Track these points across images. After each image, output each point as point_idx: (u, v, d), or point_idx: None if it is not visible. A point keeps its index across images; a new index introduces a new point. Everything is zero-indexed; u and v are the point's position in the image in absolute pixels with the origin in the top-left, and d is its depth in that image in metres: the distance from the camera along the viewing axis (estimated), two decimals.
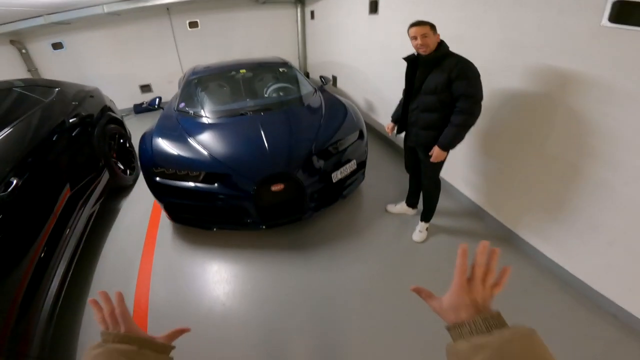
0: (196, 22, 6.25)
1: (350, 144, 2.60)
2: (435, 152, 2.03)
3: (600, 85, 1.66)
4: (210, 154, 2.32)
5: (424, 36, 1.85)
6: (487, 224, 2.56)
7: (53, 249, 1.92)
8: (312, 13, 6.23)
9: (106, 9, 4.79)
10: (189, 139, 2.47)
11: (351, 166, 2.56)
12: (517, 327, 0.43)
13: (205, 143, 2.42)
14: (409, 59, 2.07)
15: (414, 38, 1.89)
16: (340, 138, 2.56)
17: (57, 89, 2.89)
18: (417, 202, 2.65)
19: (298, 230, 2.59)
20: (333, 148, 2.51)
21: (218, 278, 2.25)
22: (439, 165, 2.17)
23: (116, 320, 0.55)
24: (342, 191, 2.60)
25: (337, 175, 2.46)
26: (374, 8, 3.81)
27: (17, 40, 5.66)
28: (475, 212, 2.69)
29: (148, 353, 0.50)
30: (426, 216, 2.44)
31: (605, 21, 1.57)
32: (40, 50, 5.90)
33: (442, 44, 1.92)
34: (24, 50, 5.79)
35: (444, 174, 2.44)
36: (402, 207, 2.71)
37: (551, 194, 2.04)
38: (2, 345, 1.37)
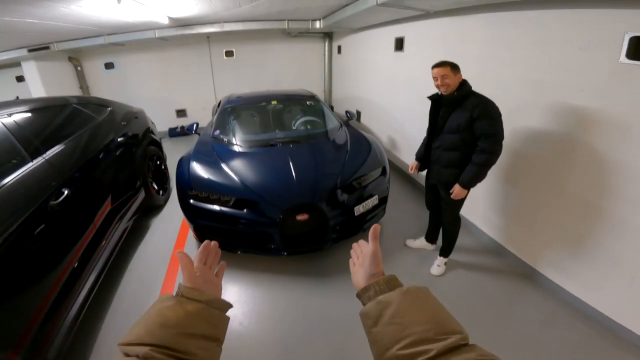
0: (232, 51, 6.71)
1: (373, 179, 2.70)
2: (456, 190, 2.09)
3: (618, 123, 1.73)
4: (241, 181, 2.48)
5: (444, 77, 1.95)
6: (507, 261, 2.57)
7: (88, 258, 2.05)
8: (339, 48, 6.57)
9: (157, 33, 5.25)
10: (222, 166, 2.66)
11: (373, 201, 2.65)
12: (413, 284, 0.53)
13: (237, 170, 2.59)
14: (433, 98, 2.18)
15: (435, 78, 2.00)
16: (364, 173, 2.67)
17: (109, 108, 3.16)
18: (436, 238, 2.69)
19: (318, 259, 2.66)
20: (356, 183, 2.62)
21: (238, 298, 2.33)
22: (460, 203, 2.23)
23: (192, 274, 0.58)
24: (362, 224, 2.68)
25: (359, 209, 2.55)
26: (399, 45, 4.01)
27: (75, 58, 6.25)
28: (495, 249, 2.72)
29: (214, 312, 0.53)
30: (445, 251, 2.47)
31: (623, 58, 1.65)
32: (94, 69, 6.47)
33: (464, 84, 2.00)
34: (79, 68, 6.37)
35: (465, 211, 2.49)
36: (421, 242, 2.75)
37: (572, 231, 2.09)
38: (22, 345, 1.42)
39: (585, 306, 2.04)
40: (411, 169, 2.47)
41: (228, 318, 0.57)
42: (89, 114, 2.83)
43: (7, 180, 1.67)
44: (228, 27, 5.22)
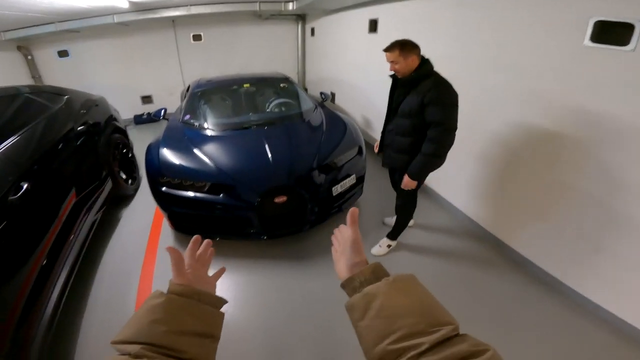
0: (200, 35, 6.40)
1: (349, 159, 2.70)
2: (405, 181, 2.03)
3: (581, 104, 1.81)
4: (216, 166, 2.40)
5: (393, 63, 1.85)
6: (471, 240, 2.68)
7: (57, 254, 1.94)
8: (313, 30, 6.45)
9: (116, 19, 4.90)
10: (194, 150, 2.55)
11: (350, 180, 2.66)
12: (399, 273, 0.52)
13: (211, 155, 2.50)
14: (394, 76, 2.04)
15: (388, 62, 1.89)
16: (340, 153, 2.67)
17: (66, 97, 2.95)
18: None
19: (298, 241, 2.66)
20: (333, 163, 2.61)
21: (219, 286, 2.27)
22: (411, 191, 2.16)
23: (182, 270, 0.56)
24: (341, 204, 2.69)
25: (337, 189, 2.55)
26: (373, 27, 3.99)
27: (24, 47, 5.73)
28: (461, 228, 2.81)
29: (206, 308, 0.53)
30: (392, 234, 2.47)
31: (587, 41, 1.70)
32: (46, 57, 5.96)
33: (425, 64, 1.87)
34: (29, 57, 5.85)
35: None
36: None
37: (539, 206, 2.18)
38: (1, 351, 1.36)
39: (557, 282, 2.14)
40: (375, 149, 2.44)
41: (222, 314, 0.56)
42: (43, 103, 2.63)
43: None
44: (195, 10, 4.97)
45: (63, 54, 5.98)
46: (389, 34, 3.70)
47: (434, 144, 1.85)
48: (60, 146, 2.41)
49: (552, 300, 2.09)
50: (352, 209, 0.64)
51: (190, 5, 4.92)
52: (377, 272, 0.54)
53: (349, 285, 0.55)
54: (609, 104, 1.69)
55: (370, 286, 0.50)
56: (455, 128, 1.86)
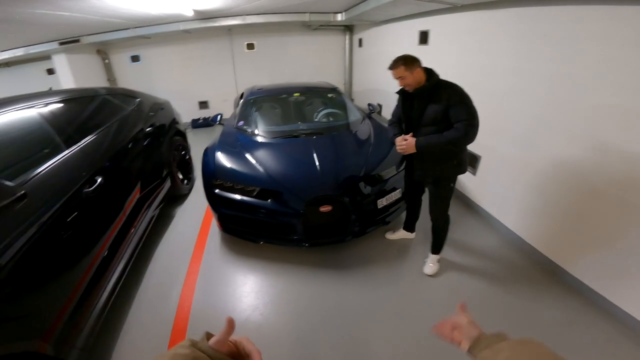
0: (253, 44, 6.76)
1: (396, 172, 2.66)
2: (409, 140, 2.01)
3: None
4: (266, 171, 2.51)
5: (402, 79, 1.91)
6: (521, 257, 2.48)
7: (117, 246, 2.09)
8: (360, 41, 6.49)
9: (182, 26, 5.35)
10: (247, 156, 2.69)
11: (396, 194, 2.62)
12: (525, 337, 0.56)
13: (262, 161, 2.62)
14: (402, 92, 2.09)
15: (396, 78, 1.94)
16: (387, 166, 2.64)
17: (138, 99, 3.25)
18: (414, 227, 2.73)
19: (338, 251, 2.67)
20: (379, 175, 2.59)
21: (259, 288, 2.37)
22: (448, 198, 2.18)
23: (225, 339, 0.57)
24: (385, 217, 2.66)
25: (382, 202, 2.53)
26: (424, 39, 3.92)
27: (103, 51, 6.47)
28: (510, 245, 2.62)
29: None
30: (436, 248, 2.41)
31: None
32: (121, 61, 6.67)
33: (432, 74, 1.94)
34: (107, 60, 6.59)
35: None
36: (400, 233, 2.76)
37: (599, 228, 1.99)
38: (53, 333, 1.42)
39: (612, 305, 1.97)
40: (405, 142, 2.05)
41: None
42: (118, 104, 2.91)
43: (44, 167, 1.70)
44: (250, 19, 5.26)
45: (135, 58, 6.65)
46: (440, 45, 3.62)
47: (458, 132, 1.87)
48: (130, 145, 2.65)
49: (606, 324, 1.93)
50: (460, 305, 0.75)
51: (246, 15, 5.23)
52: (501, 336, 0.60)
53: (477, 346, 0.62)
54: None
55: (498, 344, 0.56)
56: (478, 124, 1.87)
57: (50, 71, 6.51)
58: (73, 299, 1.58)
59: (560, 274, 2.30)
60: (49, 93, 2.33)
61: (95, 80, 6.34)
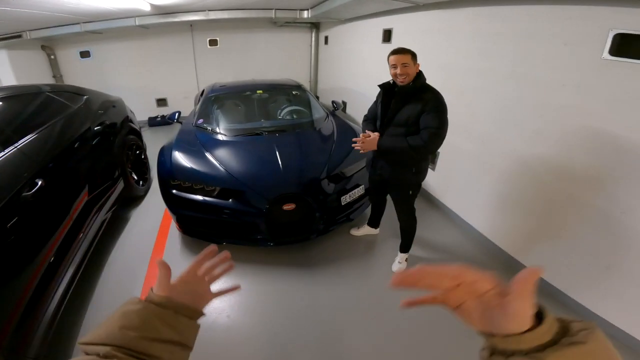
0: (216, 40, 6.53)
1: (359, 169, 2.69)
2: (372, 138, 1.97)
3: (598, 119, 1.77)
4: (226, 170, 2.42)
5: (404, 65, 1.84)
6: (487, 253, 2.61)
7: (65, 251, 1.96)
8: (326, 38, 6.52)
9: (138, 21, 5.02)
10: (206, 155, 2.58)
11: (359, 191, 2.64)
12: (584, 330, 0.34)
13: (222, 159, 2.53)
14: (384, 86, 2.05)
15: (393, 66, 1.87)
16: (350, 163, 2.65)
17: (85, 97, 3.02)
18: (379, 222, 2.75)
19: (304, 249, 2.64)
20: (342, 172, 2.60)
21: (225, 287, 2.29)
22: (412, 198, 2.19)
23: (166, 282, 0.56)
24: (349, 214, 2.67)
25: (345, 199, 2.54)
26: (387, 37, 3.99)
27: (48, 46, 5.92)
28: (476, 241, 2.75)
29: (182, 319, 0.52)
30: (405, 247, 2.44)
31: (606, 54, 1.67)
32: (69, 57, 6.16)
33: (420, 75, 1.91)
34: (52, 56, 6.04)
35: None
36: (365, 229, 2.79)
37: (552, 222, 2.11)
38: (1, 343, 1.37)
39: (568, 299, 2.09)
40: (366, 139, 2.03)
41: (198, 326, 0.56)
42: (63, 102, 2.69)
43: None
44: (213, 15, 5.06)
45: (85, 54, 6.17)
46: (404, 43, 3.68)
47: (422, 141, 1.85)
48: (76, 145, 2.46)
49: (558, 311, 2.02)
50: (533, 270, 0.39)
51: (209, 10, 5.02)
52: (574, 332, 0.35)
53: (507, 345, 0.36)
54: (627, 120, 1.65)
55: (546, 351, 0.33)
56: (444, 137, 1.89)
57: None
58: (20, 308, 1.51)
59: (515, 265, 2.43)
60: None
61: (39, 77, 5.80)
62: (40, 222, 1.82)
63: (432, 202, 3.35)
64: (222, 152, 2.63)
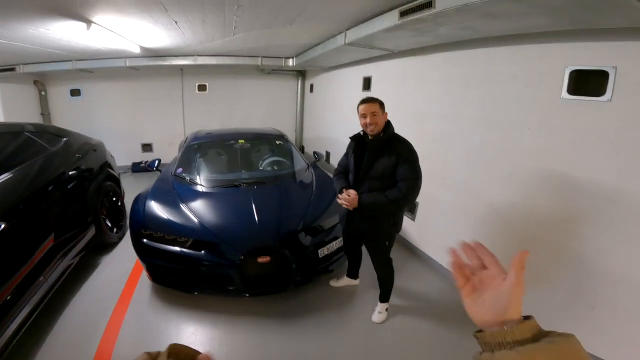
0: (205, 85, 6.68)
1: (337, 222, 2.67)
2: (352, 197, 1.95)
3: (562, 159, 1.83)
4: (200, 222, 2.39)
5: (373, 114, 1.85)
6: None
7: (22, 292, 1.89)
8: (312, 86, 6.68)
9: (128, 62, 5.14)
10: (181, 205, 2.56)
11: (337, 244, 2.62)
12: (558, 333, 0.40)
13: (197, 211, 2.51)
14: (356, 138, 2.04)
15: (363, 116, 1.86)
16: (328, 216, 2.66)
17: (64, 139, 3.01)
18: (357, 273, 2.70)
19: (282, 300, 2.55)
20: (320, 225, 2.60)
21: (193, 340, 2.17)
22: (387, 248, 2.19)
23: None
24: (328, 266, 2.63)
25: (323, 252, 2.52)
26: (367, 85, 4.13)
27: (40, 82, 5.92)
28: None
29: None
30: (384, 297, 2.39)
31: (564, 93, 1.74)
32: (59, 94, 6.09)
33: (389, 125, 1.92)
34: (43, 92, 6.01)
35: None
36: (344, 280, 2.74)
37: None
38: None
39: None
40: (349, 197, 2.00)
41: None
42: (41, 144, 2.70)
43: None
44: (201, 60, 5.26)
45: (75, 92, 6.15)
46: (380, 90, 3.75)
47: (401, 193, 1.86)
48: (49, 188, 2.44)
49: None
50: (523, 252, 0.47)
51: (197, 55, 5.20)
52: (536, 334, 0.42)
53: (494, 338, 0.43)
54: (590, 161, 1.71)
55: (526, 346, 0.39)
56: (421, 186, 1.92)
57: None
58: None
59: None
60: None
61: (26, 113, 5.75)
62: (6, 256, 1.81)
63: (413, 251, 3.35)
64: (197, 204, 2.62)
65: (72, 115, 6.11)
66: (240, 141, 3.69)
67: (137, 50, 4.52)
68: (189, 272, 2.36)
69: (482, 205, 2.47)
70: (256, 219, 2.44)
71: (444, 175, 2.84)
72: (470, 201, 2.59)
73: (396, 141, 1.93)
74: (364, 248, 2.40)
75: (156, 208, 2.54)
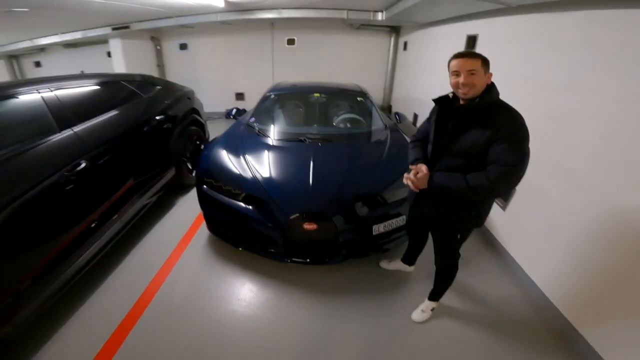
0: (294, 39, 6.68)
1: (404, 196, 2.30)
2: (422, 175, 1.56)
3: None
4: (253, 176, 2.32)
5: (470, 73, 1.38)
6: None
7: (96, 229, 2.10)
8: (405, 44, 6.07)
9: (219, 17, 5.41)
10: (241, 157, 2.52)
11: (398, 222, 2.27)
12: None
13: (254, 164, 2.43)
14: (441, 101, 1.60)
15: (455, 73, 1.42)
16: (396, 187, 2.28)
17: (158, 87, 3.29)
18: (415, 260, 2.36)
19: (328, 271, 2.41)
20: (382, 197, 2.26)
21: (232, 295, 2.21)
22: (455, 249, 1.78)
23: None
24: (381, 246, 2.33)
25: (378, 228, 2.21)
26: (471, 44, 3.43)
27: (156, 38, 6.87)
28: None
29: None
30: (435, 295, 2.02)
31: None
32: (171, 48, 7.05)
33: (492, 89, 1.43)
34: (159, 47, 6.99)
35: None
36: (397, 264, 2.40)
37: None
38: (4, 300, 1.53)
39: None
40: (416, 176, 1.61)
41: None
42: (134, 90, 2.95)
43: (30, 146, 1.80)
44: (286, 13, 5.15)
45: (183, 47, 6.98)
46: (489, 53, 3.06)
47: (488, 180, 1.37)
48: (132, 132, 2.66)
49: None
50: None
51: (281, 8, 5.10)
52: None
53: None
54: None
55: None
56: (523, 175, 1.38)
57: (110, 54, 7.04)
58: (34, 272, 1.70)
59: (574, 338, 1.83)
60: (65, 77, 2.39)
61: (145, 65, 6.73)
62: (78, 199, 1.99)
63: (492, 245, 2.75)
64: (257, 156, 2.53)
65: (180, 67, 7.00)
66: (315, 95, 3.46)
67: (221, 5, 4.62)
68: (238, 225, 2.35)
69: (608, 215, 1.72)
70: (310, 180, 2.24)
71: (557, 164, 2.10)
72: (591, 205, 1.83)
73: (499, 110, 1.41)
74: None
75: (220, 157, 2.55)
